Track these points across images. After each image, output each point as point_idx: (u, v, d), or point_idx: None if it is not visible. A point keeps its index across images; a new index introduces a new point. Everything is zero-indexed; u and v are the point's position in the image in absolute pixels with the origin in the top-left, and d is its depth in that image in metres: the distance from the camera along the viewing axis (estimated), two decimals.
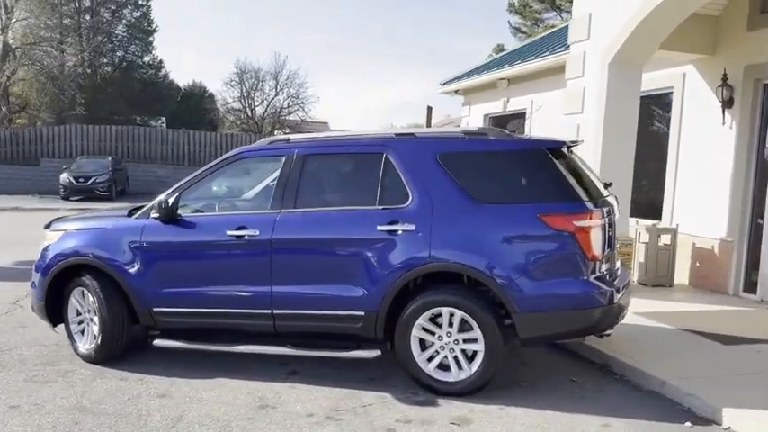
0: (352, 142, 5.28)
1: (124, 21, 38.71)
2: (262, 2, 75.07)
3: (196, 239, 5.14)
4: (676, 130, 8.85)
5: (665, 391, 4.72)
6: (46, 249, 5.48)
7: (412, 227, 4.62)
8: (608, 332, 4.80)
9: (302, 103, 41.29)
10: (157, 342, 5.29)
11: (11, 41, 30.70)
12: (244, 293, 4.97)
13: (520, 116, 12.72)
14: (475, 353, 4.58)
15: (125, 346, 5.32)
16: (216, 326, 5.17)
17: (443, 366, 4.65)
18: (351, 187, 5.15)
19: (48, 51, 32.64)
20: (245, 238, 4.92)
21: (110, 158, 24.74)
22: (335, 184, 5.28)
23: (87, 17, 36.66)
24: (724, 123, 8.07)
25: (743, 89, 7.87)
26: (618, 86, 7.73)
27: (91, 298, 5.23)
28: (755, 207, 7.80)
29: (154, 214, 5.17)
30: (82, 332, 5.36)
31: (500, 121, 13.55)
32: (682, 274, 8.51)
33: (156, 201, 5.20)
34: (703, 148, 8.38)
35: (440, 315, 4.62)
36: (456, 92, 15.19)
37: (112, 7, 37.68)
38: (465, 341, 4.59)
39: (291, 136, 5.52)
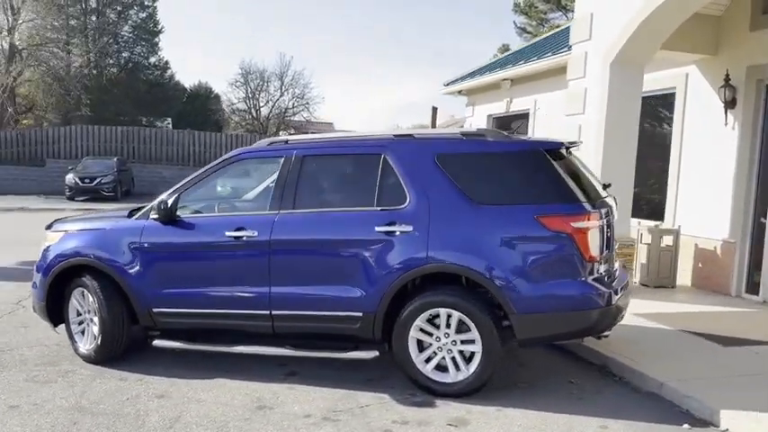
0: (351, 143, 5.29)
1: (130, 22, 38.93)
2: (267, 3, 75.35)
3: (195, 240, 5.16)
4: (679, 131, 8.82)
5: (663, 393, 4.71)
6: (47, 250, 5.51)
7: (409, 228, 4.62)
8: (606, 333, 4.79)
9: (307, 103, 41.48)
10: (157, 342, 5.32)
11: (17, 43, 30.88)
12: (242, 294, 4.99)
13: (523, 117, 12.70)
14: (473, 354, 4.58)
15: (125, 347, 5.34)
16: (215, 326, 5.19)
17: (441, 367, 4.65)
18: (349, 188, 5.15)
19: (54, 52, 32.85)
20: (244, 238, 4.94)
21: (115, 159, 24.89)
22: (334, 185, 5.29)
23: (93, 18, 36.87)
24: (726, 124, 8.04)
25: (745, 90, 7.84)
26: (619, 87, 7.71)
27: (91, 298, 5.25)
28: (758, 208, 7.77)
29: (153, 215, 5.19)
30: (82, 332, 5.39)
31: (503, 121, 13.54)
32: (684, 276, 8.49)
33: (155, 202, 5.22)
34: (706, 148, 8.35)
35: (437, 316, 4.62)
36: (460, 92, 15.18)
37: (118, 8, 37.91)
38: (463, 342, 4.59)
39: (290, 137, 5.54)
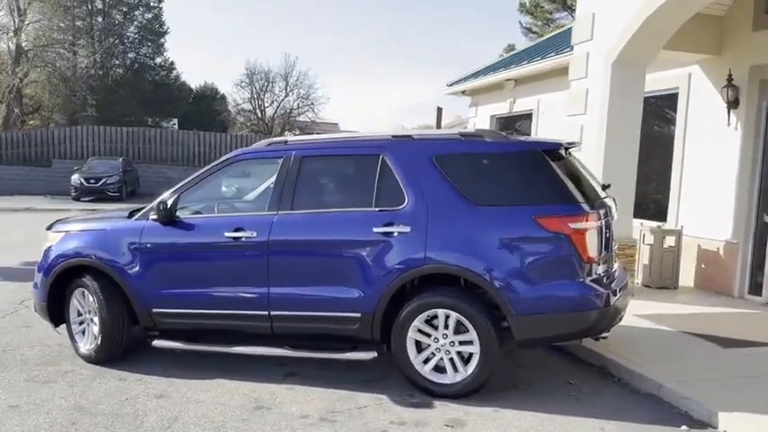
0: (350, 144, 5.29)
1: (136, 22, 39.05)
2: (267, 3, 75.22)
3: (194, 241, 5.17)
4: (681, 131, 8.79)
5: (662, 394, 4.69)
6: (48, 250, 5.54)
7: (407, 229, 4.62)
8: (605, 335, 4.78)
9: (312, 104, 41.52)
10: (157, 343, 5.34)
11: (24, 44, 31.07)
12: (241, 295, 5.00)
13: (526, 117, 12.68)
14: (471, 355, 4.58)
15: (125, 347, 5.36)
16: (214, 327, 5.20)
17: (439, 368, 4.65)
18: (348, 189, 5.16)
19: (60, 53, 33.04)
20: (243, 239, 4.95)
21: (120, 159, 25.00)
22: (332, 186, 5.30)
23: (99, 19, 37.01)
24: (729, 124, 8.01)
25: (748, 90, 7.80)
26: (621, 87, 7.69)
27: (91, 299, 5.28)
28: (761, 208, 7.73)
29: (153, 216, 5.21)
30: (83, 332, 5.42)
31: (506, 121, 13.53)
32: (687, 276, 8.45)
33: (155, 202, 5.24)
34: (708, 148, 8.32)
35: (436, 317, 4.62)
36: (463, 92, 15.15)
37: (124, 9, 38.06)
38: (461, 343, 4.59)
39: (289, 138, 5.55)
